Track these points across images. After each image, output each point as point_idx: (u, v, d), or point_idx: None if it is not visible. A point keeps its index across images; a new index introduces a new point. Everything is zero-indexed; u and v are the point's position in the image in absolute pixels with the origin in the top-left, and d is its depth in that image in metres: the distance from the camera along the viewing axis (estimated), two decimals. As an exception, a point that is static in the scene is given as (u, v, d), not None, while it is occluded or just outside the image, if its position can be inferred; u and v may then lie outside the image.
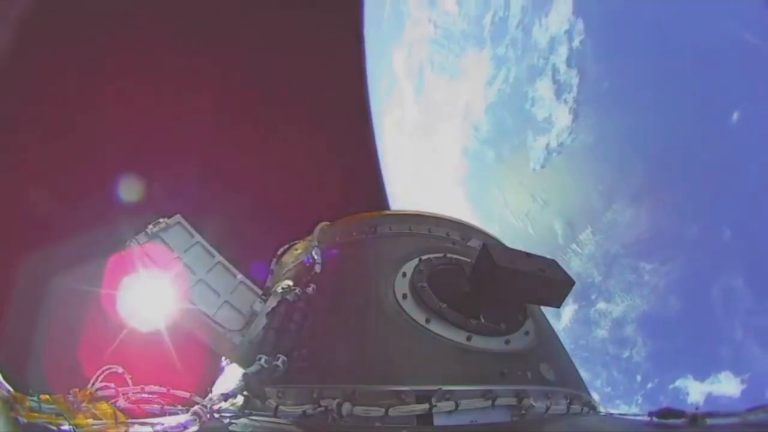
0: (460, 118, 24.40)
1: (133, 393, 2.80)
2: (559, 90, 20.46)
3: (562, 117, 20.39)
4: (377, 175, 22.49)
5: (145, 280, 3.04)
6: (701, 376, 15.62)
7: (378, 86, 25.13)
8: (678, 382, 16.19)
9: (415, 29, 25.48)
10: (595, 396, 2.94)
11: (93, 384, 2.74)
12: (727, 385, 15.07)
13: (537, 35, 21.01)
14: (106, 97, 9.84)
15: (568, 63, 20.14)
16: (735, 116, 15.46)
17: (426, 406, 2.12)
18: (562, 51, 20.20)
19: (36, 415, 2.31)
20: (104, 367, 2.85)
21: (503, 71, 22.62)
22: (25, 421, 2.24)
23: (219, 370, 3.38)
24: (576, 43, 19.81)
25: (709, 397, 15.24)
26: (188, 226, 3.41)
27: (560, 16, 20.14)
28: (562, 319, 18.96)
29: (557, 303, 2.59)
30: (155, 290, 3.07)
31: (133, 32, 10.65)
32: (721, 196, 15.98)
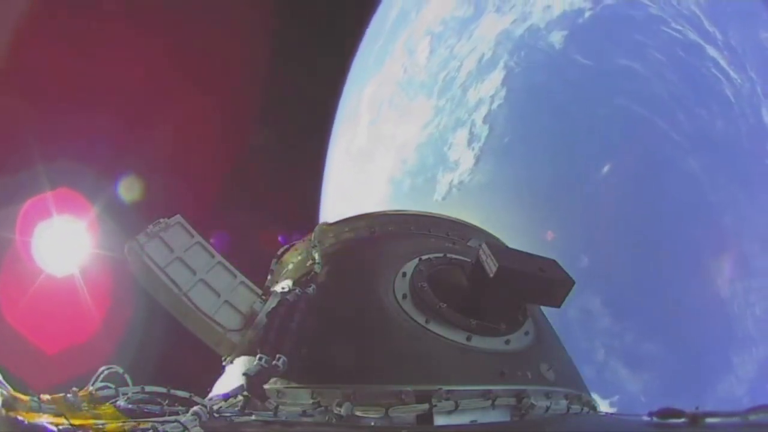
0: (395, 151, 30.59)
1: (133, 393, 2.80)
2: (471, 139, 26.52)
3: (467, 160, 26.29)
4: (318, 186, 26.52)
5: (60, 226, 3.01)
6: (564, 398, 16.23)
7: (345, 110, 31.56)
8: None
9: (391, 69, 32.46)
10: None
11: (93, 384, 2.74)
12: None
13: (470, 95, 27.51)
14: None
15: (484, 120, 26.24)
16: (606, 168, 20.55)
17: (426, 406, 2.12)
18: (483, 110, 26.42)
19: (36, 415, 2.30)
20: (104, 367, 2.85)
21: (438, 119, 29.14)
22: (26, 421, 2.23)
23: (219, 370, 3.38)
24: (495, 105, 25.98)
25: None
26: (188, 226, 3.40)
27: (492, 84, 26.40)
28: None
29: (557, 303, 2.58)
30: (69, 236, 3.03)
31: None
32: (580, 228, 20.02)
